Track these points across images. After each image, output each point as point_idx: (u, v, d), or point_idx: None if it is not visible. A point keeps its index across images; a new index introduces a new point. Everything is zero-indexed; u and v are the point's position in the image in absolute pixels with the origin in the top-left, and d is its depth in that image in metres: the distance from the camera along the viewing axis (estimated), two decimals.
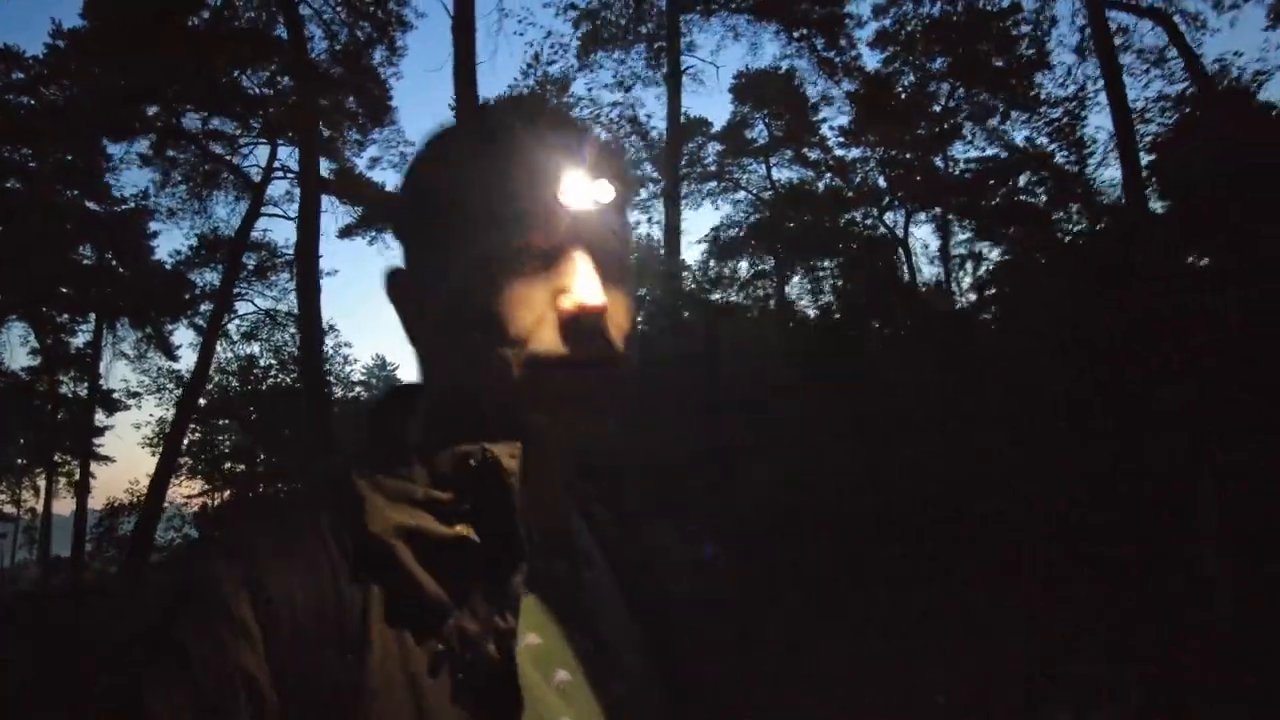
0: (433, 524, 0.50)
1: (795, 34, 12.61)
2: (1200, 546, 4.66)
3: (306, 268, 8.78)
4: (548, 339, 0.51)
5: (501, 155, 0.53)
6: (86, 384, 14.23)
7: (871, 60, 13.69)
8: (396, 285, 0.58)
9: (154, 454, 12.32)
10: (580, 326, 0.50)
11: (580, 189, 0.52)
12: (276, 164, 11.01)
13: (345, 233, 14.72)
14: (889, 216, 14.99)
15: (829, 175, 14.99)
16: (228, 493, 14.29)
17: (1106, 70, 9.30)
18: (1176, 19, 10.53)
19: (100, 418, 15.97)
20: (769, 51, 14.22)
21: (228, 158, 10.81)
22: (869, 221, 14.89)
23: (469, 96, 7.32)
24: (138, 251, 13.54)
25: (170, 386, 14.09)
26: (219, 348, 14.82)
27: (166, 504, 12.37)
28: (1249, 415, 4.74)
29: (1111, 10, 10.48)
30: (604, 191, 0.53)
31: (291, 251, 10.55)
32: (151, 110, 9.97)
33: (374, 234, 12.44)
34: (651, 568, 0.64)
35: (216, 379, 14.59)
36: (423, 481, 0.52)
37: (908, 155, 14.12)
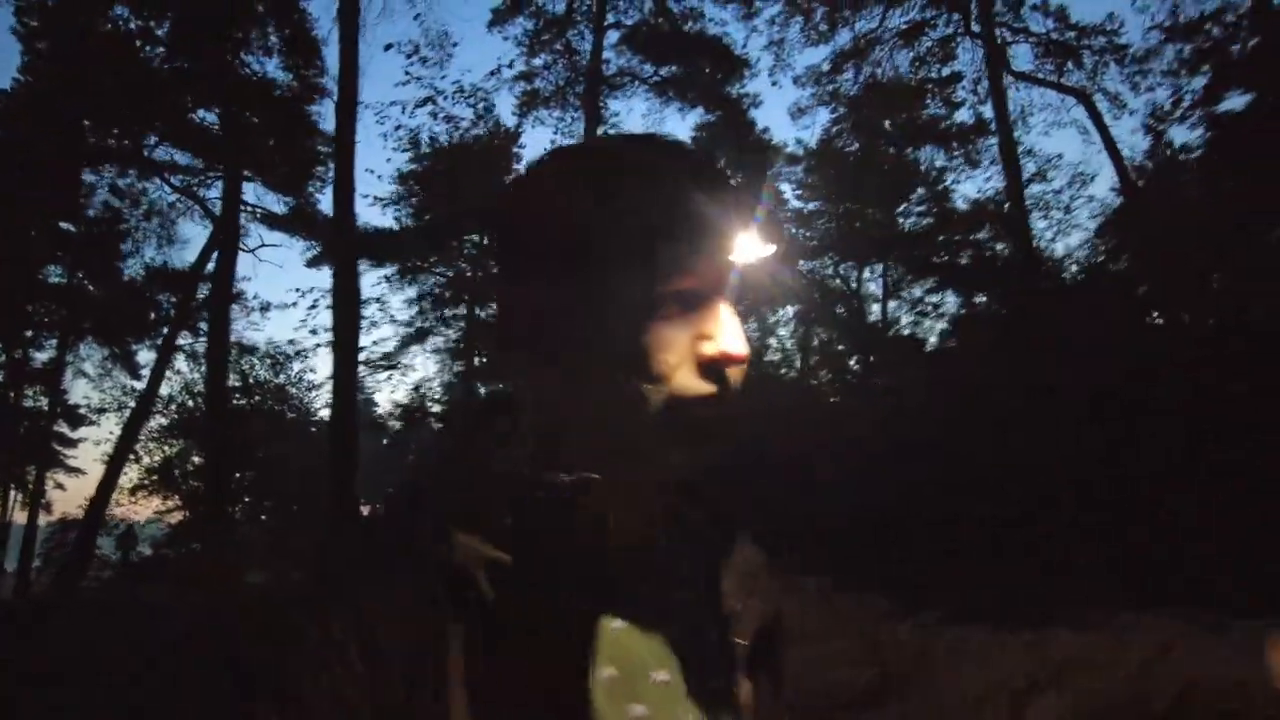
0: (509, 557, 0.52)
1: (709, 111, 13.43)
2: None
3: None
4: (689, 380, 0.52)
5: (674, 199, 0.53)
6: (47, 399, 14.52)
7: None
8: (527, 305, 0.57)
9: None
10: (719, 372, 0.53)
11: (743, 243, 0.54)
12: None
13: (313, 263, 15.30)
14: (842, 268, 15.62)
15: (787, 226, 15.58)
16: (186, 512, 14.71)
17: (1002, 136, 9.93)
18: (1097, 98, 11.22)
19: (67, 432, 16.39)
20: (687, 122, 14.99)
21: (192, 189, 11.31)
22: (828, 271, 15.52)
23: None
24: (107, 272, 13.98)
25: (131, 404, 14.42)
26: (187, 369, 15.41)
27: (138, 519, 12.74)
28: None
29: (1032, 85, 11.17)
30: (764, 250, 0.55)
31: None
32: (113, 142, 10.54)
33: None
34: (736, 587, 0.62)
35: (180, 400, 15.11)
36: (507, 512, 0.53)
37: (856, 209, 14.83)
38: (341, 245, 8.93)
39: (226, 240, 9.77)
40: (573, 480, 0.53)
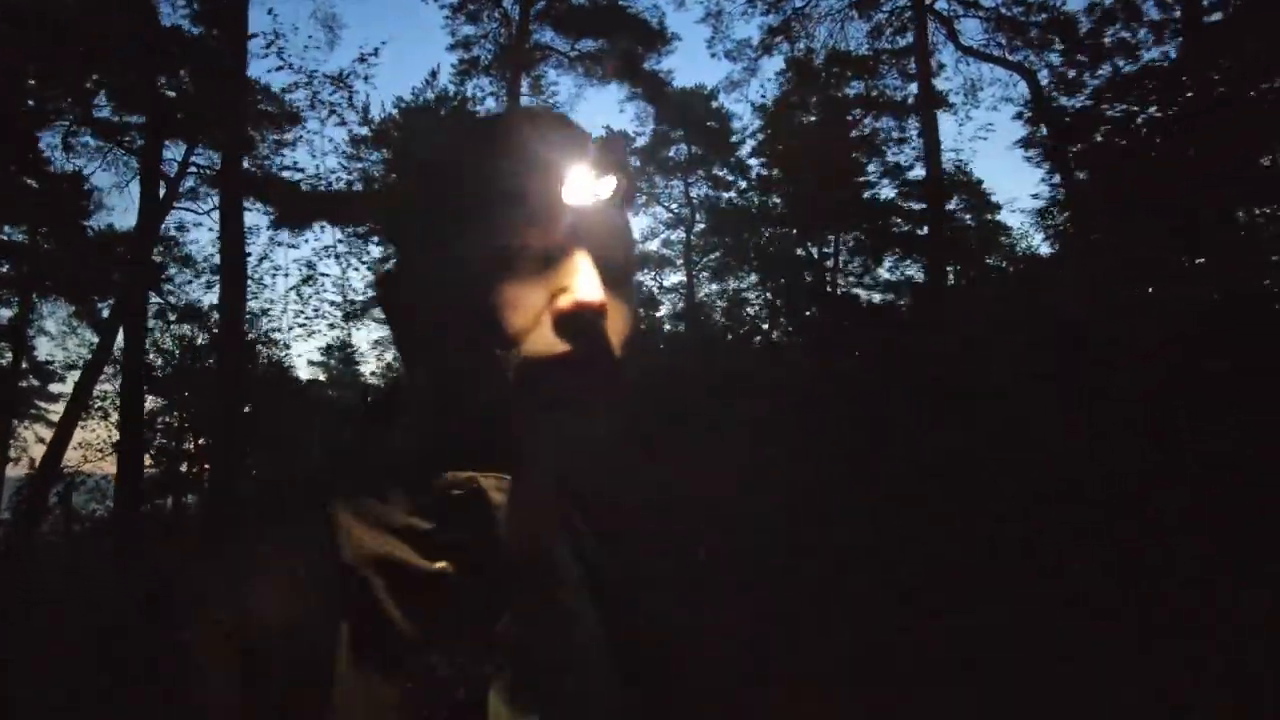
0: (410, 555, 0.49)
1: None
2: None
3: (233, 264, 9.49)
4: (544, 338, 0.50)
5: (500, 153, 0.52)
6: (11, 355, 14.83)
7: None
8: (387, 288, 0.57)
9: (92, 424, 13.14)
10: (578, 325, 0.50)
11: (581, 187, 0.51)
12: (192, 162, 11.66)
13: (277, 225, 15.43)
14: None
15: (749, 193, 15.56)
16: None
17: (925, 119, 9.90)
18: (1042, 74, 11.09)
19: (50, 388, 16.84)
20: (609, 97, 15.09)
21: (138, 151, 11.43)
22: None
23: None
24: (71, 230, 14.14)
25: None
26: (156, 329, 15.70)
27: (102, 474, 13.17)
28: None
29: (973, 59, 11.06)
30: (604, 188, 0.52)
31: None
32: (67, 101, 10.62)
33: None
34: (633, 590, 0.58)
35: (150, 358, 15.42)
36: (404, 507, 0.51)
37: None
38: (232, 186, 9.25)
39: (146, 193, 10.00)
40: (465, 480, 0.50)
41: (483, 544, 0.50)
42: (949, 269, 12.13)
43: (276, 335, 12.47)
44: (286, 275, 14.38)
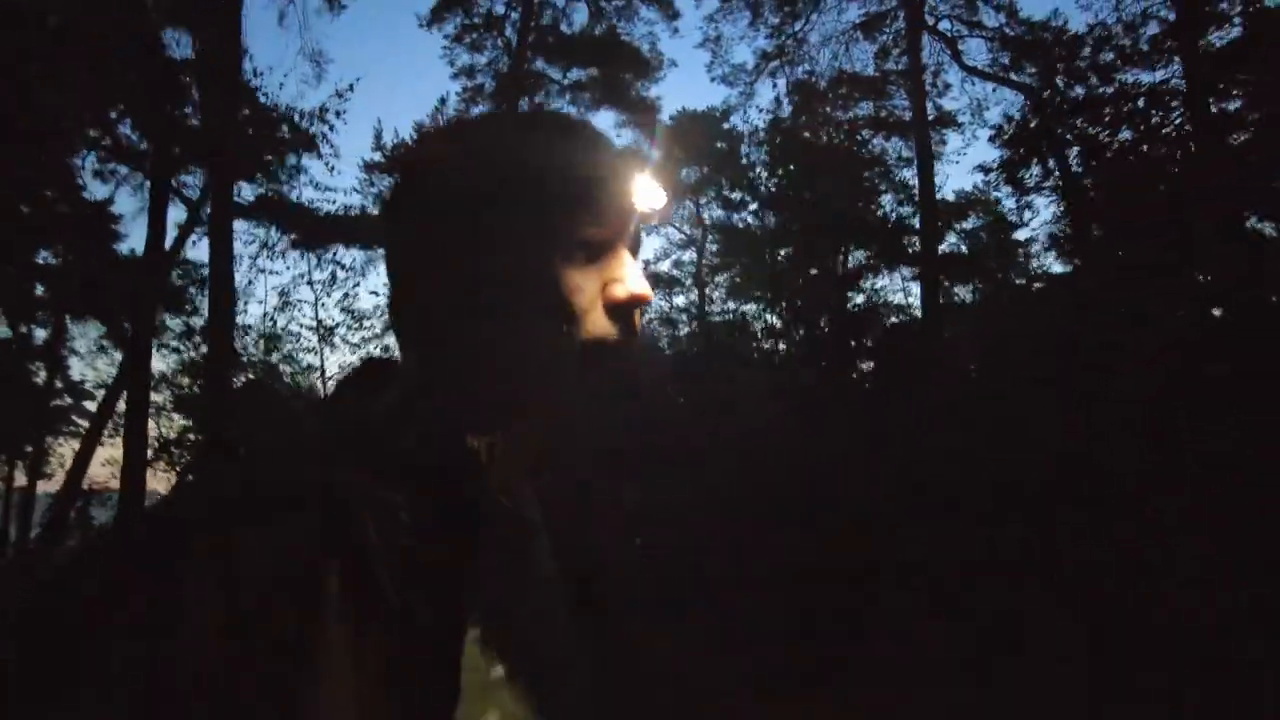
0: (398, 505, 0.51)
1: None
2: None
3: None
4: (600, 323, 0.56)
5: (582, 152, 0.57)
6: (46, 374, 15.32)
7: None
8: (402, 268, 0.59)
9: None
10: (626, 314, 0.56)
11: (645, 193, 0.58)
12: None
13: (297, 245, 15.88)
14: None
15: (762, 214, 15.76)
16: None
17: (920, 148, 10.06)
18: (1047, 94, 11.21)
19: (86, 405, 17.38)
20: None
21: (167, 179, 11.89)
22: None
23: None
24: (101, 253, 14.67)
25: (128, 380, 15.16)
26: (181, 348, 16.15)
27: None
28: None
29: (977, 79, 11.23)
30: (659, 199, 0.59)
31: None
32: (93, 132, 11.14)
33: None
34: (584, 530, 0.64)
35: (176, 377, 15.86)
36: (394, 463, 0.52)
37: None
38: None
39: (153, 220, 10.39)
40: (487, 440, 0.54)
41: (466, 500, 0.53)
42: (971, 285, 12.22)
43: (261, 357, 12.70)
44: (261, 303, 14.70)
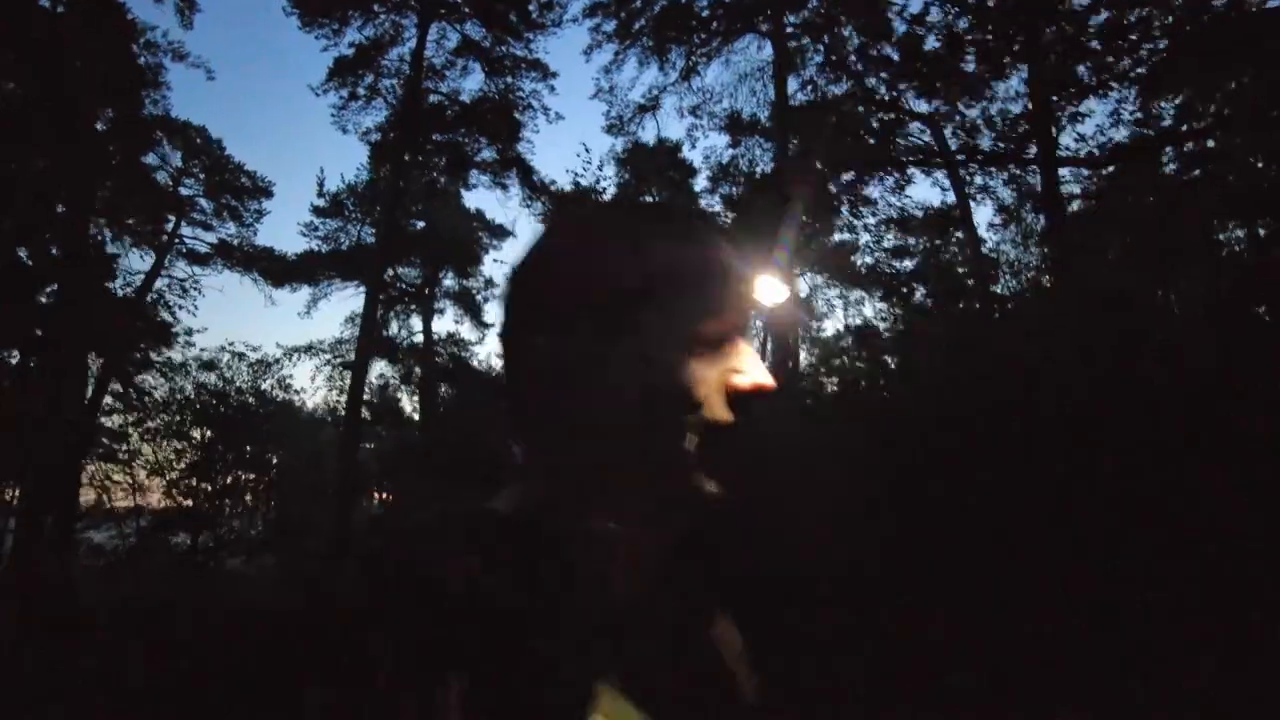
0: (508, 590, 0.53)
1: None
2: None
3: None
4: (720, 410, 0.59)
5: (702, 245, 0.60)
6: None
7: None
8: (552, 355, 0.60)
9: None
10: (746, 403, 0.59)
11: (765, 290, 0.62)
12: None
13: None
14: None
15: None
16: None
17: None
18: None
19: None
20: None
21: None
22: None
23: None
24: (99, 295, 15.98)
25: (120, 409, 16.52)
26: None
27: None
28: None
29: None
30: (781, 293, 0.64)
31: None
32: None
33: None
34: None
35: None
36: (502, 553, 0.55)
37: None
38: None
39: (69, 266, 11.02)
40: (609, 529, 0.55)
41: (582, 586, 0.55)
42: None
43: None
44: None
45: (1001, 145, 9.72)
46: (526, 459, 0.62)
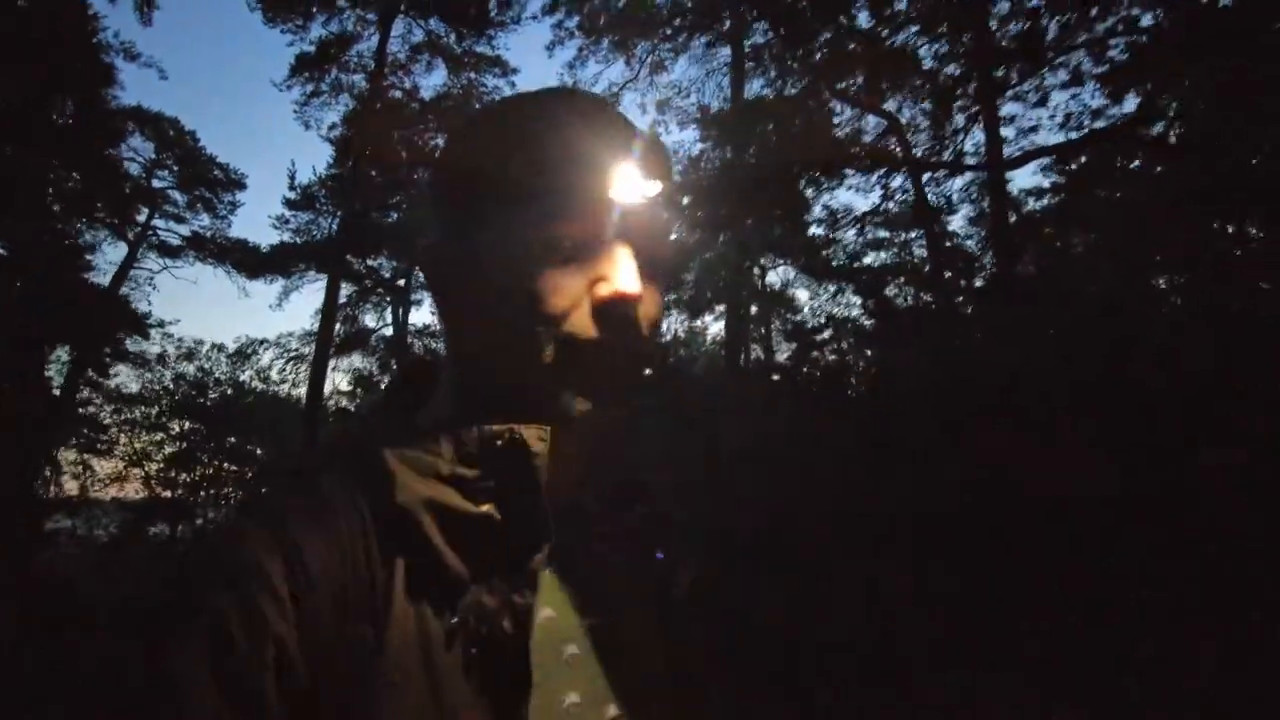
0: (457, 499, 0.53)
1: None
2: None
3: None
4: (581, 322, 0.53)
5: (557, 143, 0.54)
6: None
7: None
8: (431, 258, 0.59)
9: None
10: (613, 313, 0.53)
11: (630, 184, 0.54)
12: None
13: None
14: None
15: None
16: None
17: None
18: None
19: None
20: None
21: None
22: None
23: None
24: (73, 285, 15.98)
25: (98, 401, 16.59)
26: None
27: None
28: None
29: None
30: (651, 188, 0.55)
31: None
32: None
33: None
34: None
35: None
36: (449, 457, 0.54)
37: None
38: None
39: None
40: (505, 430, 0.53)
41: (524, 488, 0.53)
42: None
43: None
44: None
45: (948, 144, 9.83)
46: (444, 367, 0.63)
